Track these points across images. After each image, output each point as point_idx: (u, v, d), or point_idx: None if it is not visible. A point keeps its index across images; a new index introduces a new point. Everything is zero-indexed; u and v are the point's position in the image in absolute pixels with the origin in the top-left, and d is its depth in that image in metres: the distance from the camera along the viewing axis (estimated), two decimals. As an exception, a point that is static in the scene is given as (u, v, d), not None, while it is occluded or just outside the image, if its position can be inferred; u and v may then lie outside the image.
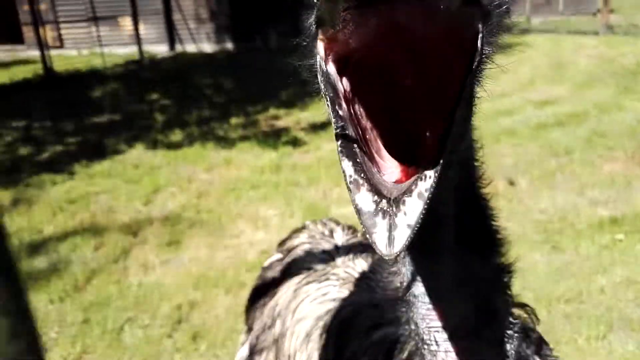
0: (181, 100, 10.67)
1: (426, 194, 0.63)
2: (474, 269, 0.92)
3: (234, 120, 9.09)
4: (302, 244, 2.03)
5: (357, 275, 1.57)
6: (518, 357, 0.98)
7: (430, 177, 0.63)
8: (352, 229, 2.08)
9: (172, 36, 18.26)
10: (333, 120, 0.72)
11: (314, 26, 0.73)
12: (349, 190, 0.68)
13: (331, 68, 0.73)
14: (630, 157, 6.01)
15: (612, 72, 10.49)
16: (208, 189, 6.07)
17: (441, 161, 0.64)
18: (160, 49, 17.56)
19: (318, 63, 0.74)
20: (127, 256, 4.62)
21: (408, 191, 0.64)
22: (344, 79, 0.74)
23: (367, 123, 0.76)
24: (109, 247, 4.76)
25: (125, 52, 16.22)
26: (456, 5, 0.63)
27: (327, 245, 1.91)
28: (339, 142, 0.71)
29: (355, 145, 0.71)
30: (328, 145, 7.23)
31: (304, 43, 0.78)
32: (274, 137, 7.94)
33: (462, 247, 0.91)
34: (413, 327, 0.95)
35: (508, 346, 0.97)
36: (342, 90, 0.73)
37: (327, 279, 1.61)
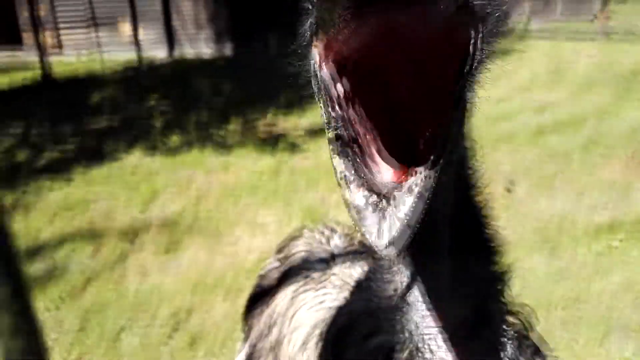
0: (180, 105, 10.67)
1: (426, 194, 0.63)
2: (470, 274, 0.92)
3: (232, 125, 9.09)
4: (299, 249, 2.02)
5: (354, 282, 1.57)
6: None
7: (430, 178, 0.64)
8: (349, 235, 2.08)
9: (171, 40, 18.28)
10: (326, 122, 0.73)
11: (312, 29, 0.73)
12: (340, 185, 0.68)
13: (325, 73, 0.73)
14: (628, 162, 6.02)
15: (610, 76, 10.52)
16: (206, 193, 6.07)
17: (440, 161, 0.64)
18: (159, 53, 17.57)
19: (312, 68, 0.74)
20: (124, 261, 4.61)
21: (408, 191, 0.64)
22: (343, 80, 0.74)
23: (364, 125, 0.76)
24: (106, 252, 4.75)
25: (124, 56, 16.22)
26: (452, 9, 0.63)
27: (324, 252, 1.90)
28: (333, 143, 0.71)
29: (350, 146, 0.71)
30: (326, 150, 7.21)
31: (300, 48, 0.79)
32: (273, 142, 7.94)
33: (458, 252, 0.91)
34: (408, 334, 0.95)
35: (504, 350, 0.97)
36: (336, 95, 0.74)
37: (324, 286, 1.61)
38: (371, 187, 0.67)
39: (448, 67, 0.70)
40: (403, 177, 0.73)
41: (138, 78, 14.07)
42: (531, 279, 3.95)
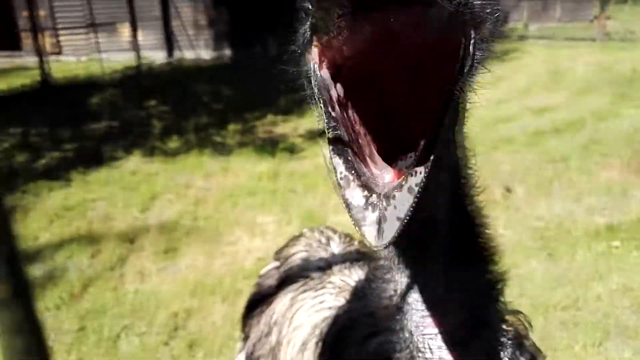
0: (179, 108, 10.69)
1: (416, 189, 0.64)
2: (467, 278, 0.93)
3: (231, 128, 9.10)
4: (298, 252, 2.03)
5: (353, 283, 1.58)
6: None
7: (420, 173, 0.64)
8: (348, 237, 2.09)
9: (170, 43, 18.31)
10: (325, 122, 0.73)
11: (309, 33, 0.74)
12: (339, 186, 0.69)
13: (325, 73, 0.74)
14: (627, 165, 6.04)
15: (609, 79, 10.55)
16: (205, 196, 6.07)
17: (431, 156, 0.64)
18: (159, 56, 17.59)
19: (312, 68, 0.75)
20: (123, 264, 4.61)
21: (398, 186, 0.65)
22: (338, 86, 0.75)
23: (360, 128, 0.77)
24: (105, 255, 4.75)
25: (123, 59, 16.24)
26: (448, 13, 0.64)
27: (323, 254, 1.91)
28: (331, 145, 0.72)
29: (347, 147, 0.72)
30: (326, 152, 7.23)
31: (299, 49, 0.79)
32: (272, 145, 7.95)
33: (455, 256, 0.91)
34: (407, 335, 0.96)
35: (501, 354, 0.98)
36: (336, 95, 0.74)
37: (324, 288, 1.62)
38: (370, 187, 0.68)
39: (443, 70, 0.70)
40: (397, 177, 0.74)
41: (137, 81, 14.08)
42: (530, 282, 3.96)
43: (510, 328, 1.02)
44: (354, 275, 1.66)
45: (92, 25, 15.87)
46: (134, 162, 7.42)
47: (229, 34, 18.14)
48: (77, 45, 17.78)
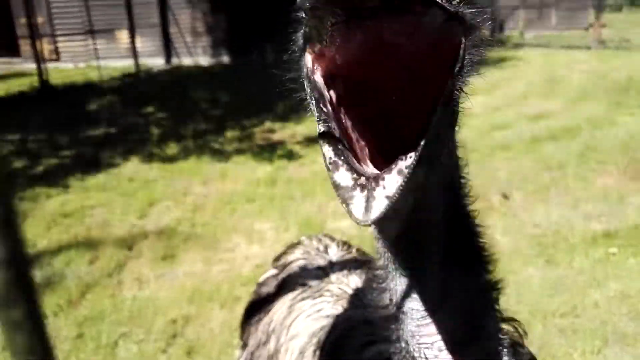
0: (177, 114, 10.70)
1: (406, 171, 0.65)
2: (461, 285, 0.94)
3: (229, 134, 9.12)
4: (297, 259, 2.04)
5: (350, 291, 1.59)
6: None
7: (410, 157, 0.65)
8: (346, 244, 2.10)
9: (168, 49, 18.34)
10: (317, 119, 0.74)
11: (302, 41, 0.75)
12: (328, 170, 0.70)
13: (319, 77, 0.75)
14: (623, 172, 6.07)
15: (605, 86, 10.60)
16: (203, 202, 6.08)
17: (422, 143, 0.66)
18: (157, 62, 17.62)
19: (306, 72, 0.76)
20: (121, 270, 4.61)
21: (388, 169, 0.66)
22: (331, 90, 0.76)
23: (353, 131, 0.78)
24: (103, 261, 4.75)
25: (121, 65, 16.27)
26: (440, 21, 0.66)
27: (321, 261, 1.92)
28: (324, 140, 0.72)
29: (339, 143, 0.73)
30: (324, 163, 7.24)
31: (294, 56, 0.80)
32: (270, 151, 7.96)
33: (450, 263, 0.92)
34: (404, 344, 0.97)
35: (500, 358, 0.98)
36: (329, 98, 0.76)
37: (322, 296, 1.63)
38: (359, 171, 0.69)
39: (435, 73, 0.72)
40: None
41: (135, 87, 14.10)
42: (528, 288, 3.97)
43: (506, 335, 1.03)
44: (352, 283, 1.67)
45: (91, 32, 15.90)
46: (132, 168, 7.42)
47: (227, 40, 18.19)
48: (76, 52, 17.79)
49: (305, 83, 0.77)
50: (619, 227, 4.80)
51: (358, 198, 0.66)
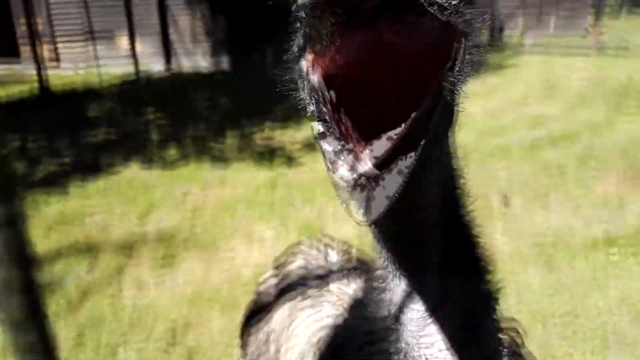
0: (177, 118, 10.70)
1: (406, 171, 0.65)
2: (460, 289, 0.94)
3: (229, 139, 9.12)
4: (297, 261, 2.03)
5: (351, 293, 1.59)
6: None
7: (410, 157, 0.66)
8: (346, 247, 2.10)
9: (168, 53, 18.36)
10: (317, 119, 0.74)
11: (302, 41, 0.75)
12: (328, 169, 0.70)
13: (318, 77, 0.75)
14: (623, 176, 6.07)
15: (603, 91, 10.62)
16: (203, 206, 6.07)
17: (419, 143, 0.66)
18: (157, 66, 17.63)
19: (305, 72, 0.76)
20: (121, 275, 4.60)
21: (388, 170, 0.66)
22: (331, 92, 0.76)
23: (354, 133, 0.78)
24: (103, 266, 4.74)
25: (121, 70, 16.29)
26: (437, 24, 0.66)
27: (321, 267, 1.92)
28: (325, 141, 0.73)
29: (338, 141, 0.73)
30: (323, 163, 7.25)
31: (293, 57, 0.81)
32: (270, 156, 7.96)
33: (449, 265, 0.93)
34: (404, 345, 0.97)
35: None
36: (328, 97, 0.76)
37: (321, 301, 1.62)
38: (359, 170, 0.69)
39: (435, 76, 0.72)
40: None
41: (135, 91, 14.11)
42: (528, 293, 3.97)
43: (505, 337, 1.03)
44: (352, 285, 1.67)
45: (91, 35, 15.93)
46: (131, 172, 7.42)
47: (227, 43, 18.22)
48: (75, 55, 17.82)
49: (304, 83, 0.77)
50: (620, 231, 4.81)
51: (358, 198, 0.66)
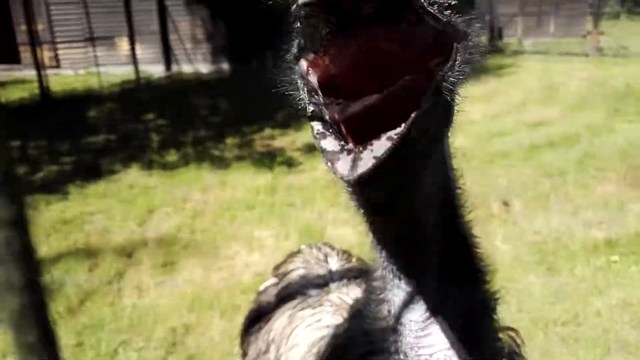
0: (177, 121, 10.71)
1: (395, 137, 0.64)
2: (458, 296, 0.94)
3: (229, 141, 9.13)
4: (297, 268, 2.03)
5: (350, 301, 1.58)
6: None
7: (401, 127, 0.65)
8: (346, 254, 2.10)
9: (168, 57, 18.39)
10: (316, 117, 0.74)
11: (297, 49, 0.76)
12: (315, 138, 0.70)
13: (313, 79, 0.75)
14: (623, 179, 6.08)
15: (603, 94, 10.64)
16: (203, 209, 6.07)
17: (413, 115, 0.65)
18: (157, 70, 17.66)
19: (300, 74, 0.76)
20: (121, 278, 4.60)
21: (377, 137, 0.66)
22: (325, 91, 0.76)
23: (347, 129, 0.78)
24: (103, 269, 4.74)
25: (121, 73, 16.31)
26: (434, 30, 0.67)
27: (321, 271, 1.92)
28: (315, 120, 0.73)
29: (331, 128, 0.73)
30: (322, 166, 7.25)
31: (289, 63, 0.81)
32: (269, 158, 7.97)
33: (446, 273, 0.93)
34: (403, 355, 0.97)
35: None
36: (322, 101, 0.76)
37: (321, 305, 1.62)
38: (347, 140, 0.69)
39: (432, 77, 0.73)
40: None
41: (135, 95, 14.12)
42: (528, 297, 3.96)
43: (504, 344, 1.03)
44: (352, 292, 1.67)
45: (91, 39, 15.96)
46: (131, 176, 7.43)
47: (226, 47, 18.25)
48: (76, 59, 17.85)
49: (304, 83, 0.77)
50: (620, 235, 4.80)
51: (344, 158, 0.66)
